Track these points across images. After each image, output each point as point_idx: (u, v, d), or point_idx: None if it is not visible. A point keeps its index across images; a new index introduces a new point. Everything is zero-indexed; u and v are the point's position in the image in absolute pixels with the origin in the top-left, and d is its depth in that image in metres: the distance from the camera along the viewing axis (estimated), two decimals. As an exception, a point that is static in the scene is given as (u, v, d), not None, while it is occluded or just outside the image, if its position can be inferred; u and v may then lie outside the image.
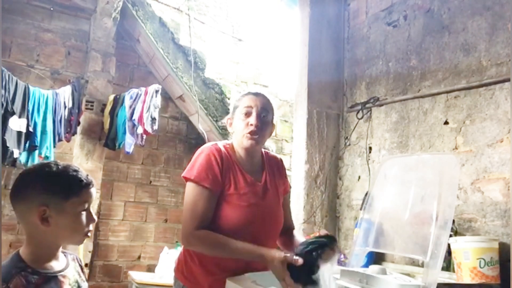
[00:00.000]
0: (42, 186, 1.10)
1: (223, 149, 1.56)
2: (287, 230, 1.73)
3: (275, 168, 1.69)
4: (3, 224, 3.75)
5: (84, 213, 1.15)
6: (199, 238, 1.44)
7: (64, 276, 1.17)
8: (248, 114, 1.55)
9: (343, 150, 3.05)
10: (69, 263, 1.22)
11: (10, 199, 1.12)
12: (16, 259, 1.16)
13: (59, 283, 1.14)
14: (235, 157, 1.58)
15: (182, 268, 1.57)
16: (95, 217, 1.19)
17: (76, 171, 1.15)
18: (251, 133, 1.54)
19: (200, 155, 1.53)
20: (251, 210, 1.52)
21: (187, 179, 1.51)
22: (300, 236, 1.74)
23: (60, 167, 1.14)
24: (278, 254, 1.34)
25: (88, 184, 1.15)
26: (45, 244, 1.16)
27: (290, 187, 1.79)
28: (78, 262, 1.29)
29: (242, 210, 1.51)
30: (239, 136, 1.57)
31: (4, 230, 3.76)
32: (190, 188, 1.49)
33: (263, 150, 1.71)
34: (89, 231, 1.17)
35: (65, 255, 1.23)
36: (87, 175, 1.17)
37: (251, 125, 1.53)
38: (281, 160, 1.75)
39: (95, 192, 1.19)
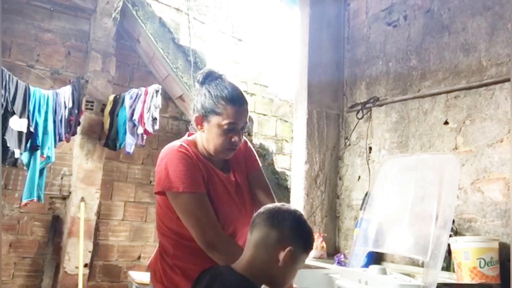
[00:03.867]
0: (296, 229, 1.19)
1: (190, 150, 1.47)
2: None
3: (239, 154, 1.59)
4: (3, 224, 3.75)
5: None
6: (227, 242, 1.37)
7: None
8: (229, 130, 1.43)
9: (343, 150, 3.05)
10: None
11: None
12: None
13: None
14: (203, 155, 1.49)
15: (162, 279, 1.47)
16: None
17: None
18: (232, 148, 1.46)
19: (172, 162, 1.41)
20: (230, 206, 1.47)
21: (171, 192, 1.38)
22: None
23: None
24: None
25: None
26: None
27: (259, 163, 1.68)
28: None
29: (223, 207, 1.44)
30: (216, 147, 1.46)
31: (4, 230, 3.76)
32: (185, 200, 1.38)
33: None
34: None
35: None
36: None
37: (234, 142, 1.45)
38: (245, 142, 1.64)
39: None
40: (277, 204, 1.26)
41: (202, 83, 1.50)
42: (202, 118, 1.47)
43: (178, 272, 1.45)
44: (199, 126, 1.49)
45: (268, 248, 1.15)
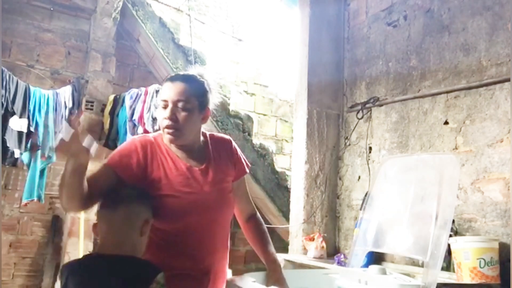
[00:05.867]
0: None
1: (152, 139, 1.47)
2: (249, 218, 1.65)
3: (223, 152, 1.57)
4: (3, 224, 3.75)
5: None
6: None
7: None
8: (164, 107, 1.43)
9: (343, 150, 3.05)
10: None
11: None
12: None
13: None
14: (167, 146, 1.47)
15: None
16: None
17: None
18: (166, 127, 1.42)
19: (123, 144, 1.49)
20: (187, 198, 1.41)
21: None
22: (263, 231, 1.63)
23: None
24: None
25: None
26: None
27: (247, 169, 1.65)
28: None
29: (176, 199, 1.40)
30: (159, 125, 1.48)
31: (4, 230, 3.76)
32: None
33: (207, 133, 1.61)
34: None
35: None
36: None
37: (166, 118, 1.42)
38: (229, 142, 1.63)
39: None
40: None
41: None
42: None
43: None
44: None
45: None
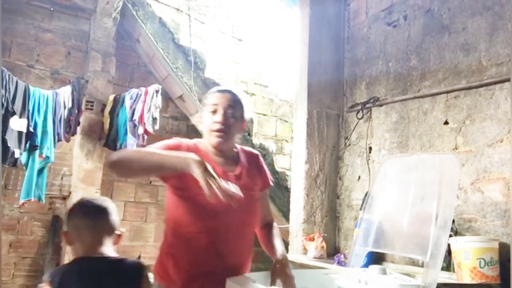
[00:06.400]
0: None
1: (192, 144, 1.59)
2: (266, 224, 1.74)
3: (252, 164, 1.69)
4: (3, 224, 3.75)
5: None
6: (120, 156, 1.46)
7: None
8: (214, 112, 1.57)
9: (343, 150, 3.05)
10: None
11: None
12: None
13: None
14: (205, 151, 1.59)
15: (157, 266, 1.57)
16: None
17: None
18: (217, 130, 1.55)
19: (169, 141, 1.57)
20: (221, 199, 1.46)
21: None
22: (277, 233, 1.70)
23: None
24: (193, 156, 1.34)
25: None
26: None
27: (271, 183, 1.77)
28: None
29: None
30: (206, 134, 1.60)
31: (4, 230, 3.76)
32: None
33: (238, 146, 1.72)
34: None
35: None
36: None
37: (216, 122, 1.55)
38: (257, 156, 1.76)
39: None
40: None
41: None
42: (201, 116, 1.63)
43: (170, 259, 1.52)
44: (200, 125, 1.65)
45: None
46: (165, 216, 1.68)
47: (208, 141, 1.60)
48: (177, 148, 1.53)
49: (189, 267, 1.48)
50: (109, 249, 1.43)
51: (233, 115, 1.58)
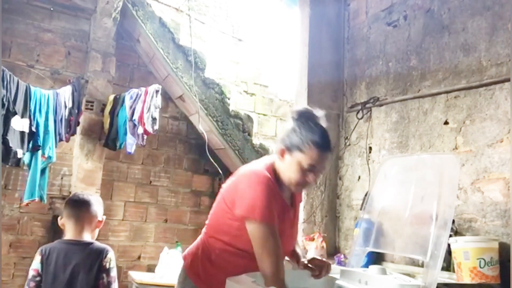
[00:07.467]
0: None
1: (270, 177, 1.54)
2: None
3: (298, 199, 1.77)
4: (3, 224, 3.75)
5: None
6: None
7: None
8: (310, 171, 1.54)
9: (343, 150, 3.05)
10: None
11: None
12: None
13: None
14: (277, 182, 1.59)
15: (198, 272, 1.61)
16: None
17: None
18: (305, 188, 1.63)
19: (257, 187, 1.49)
20: (279, 225, 1.54)
21: (250, 219, 1.48)
22: (297, 247, 1.83)
23: None
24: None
25: None
26: None
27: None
28: None
29: (282, 238, 1.55)
30: (291, 180, 1.56)
31: (4, 230, 3.76)
32: (257, 227, 1.47)
33: None
34: None
35: None
36: None
37: (310, 182, 1.57)
38: (300, 193, 1.82)
39: None
40: None
41: (296, 119, 1.60)
42: (286, 151, 1.56)
43: (217, 266, 1.59)
44: (280, 156, 1.58)
45: None
46: (208, 223, 1.68)
47: (287, 183, 1.57)
48: (272, 191, 1.52)
49: (230, 267, 1.54)
50: (87, 235, 1.89)
51: (321, 171, 1.62)
